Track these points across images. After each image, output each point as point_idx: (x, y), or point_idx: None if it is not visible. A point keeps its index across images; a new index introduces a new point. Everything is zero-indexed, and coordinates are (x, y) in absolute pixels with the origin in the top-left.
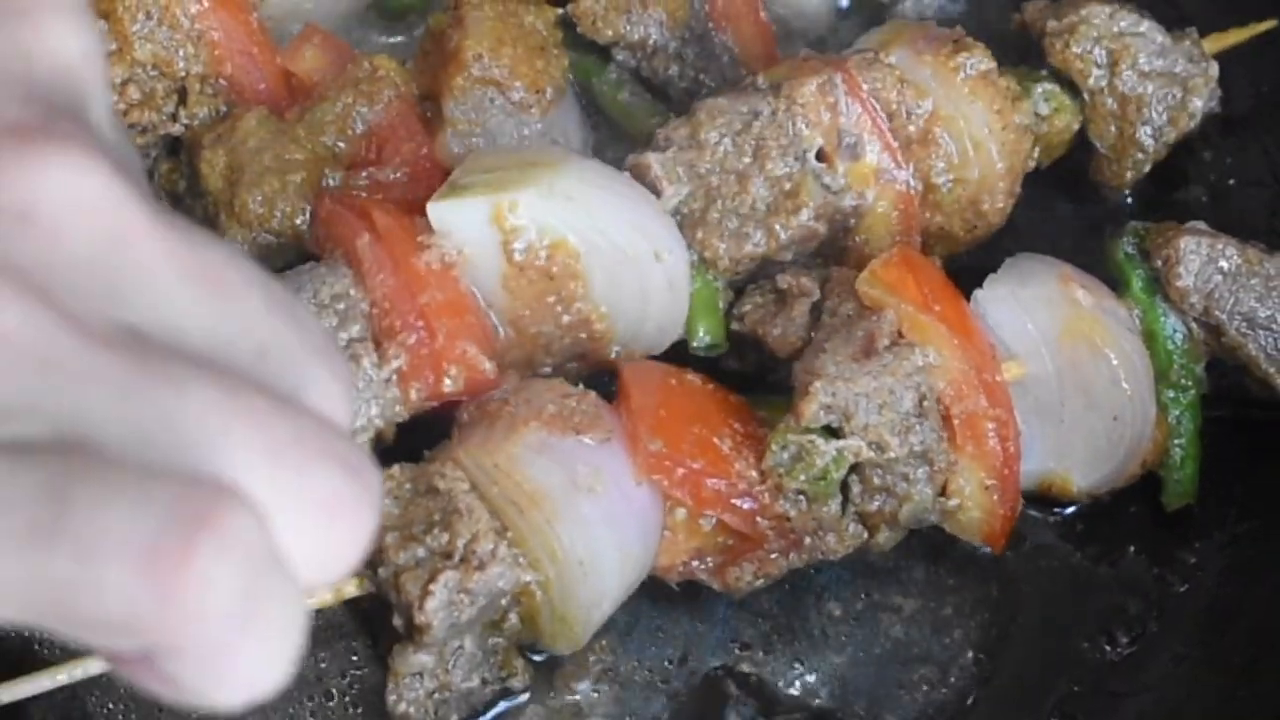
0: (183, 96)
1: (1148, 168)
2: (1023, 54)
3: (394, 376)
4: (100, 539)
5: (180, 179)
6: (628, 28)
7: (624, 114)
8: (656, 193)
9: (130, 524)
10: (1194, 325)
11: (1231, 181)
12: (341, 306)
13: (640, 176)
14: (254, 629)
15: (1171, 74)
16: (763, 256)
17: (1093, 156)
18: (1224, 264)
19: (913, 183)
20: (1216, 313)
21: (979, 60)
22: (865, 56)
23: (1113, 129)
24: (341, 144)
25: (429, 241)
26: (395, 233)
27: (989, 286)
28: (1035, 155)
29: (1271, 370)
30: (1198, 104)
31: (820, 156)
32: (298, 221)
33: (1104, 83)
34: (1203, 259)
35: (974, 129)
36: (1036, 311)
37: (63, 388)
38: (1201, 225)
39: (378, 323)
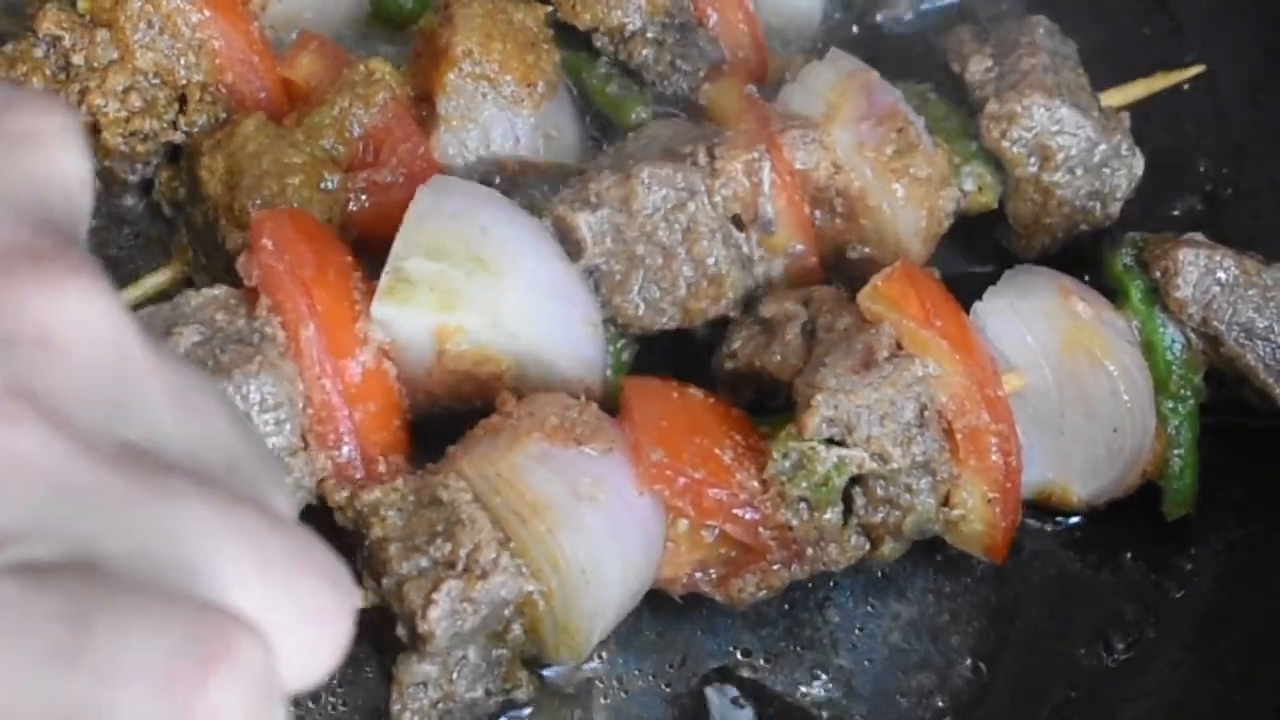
0: (184, 104)
1: (1055, 249)
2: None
3: (317, 477)
4: (119, 664)
5: (180, 185)
6: (606, 12)
7: (613, 106)
8: (578, 252)
9: (148, 651)
10: (1192, 336)
11: (1229, 192)
12: (281, 415)
13: (564, 232)
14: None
15: (1096, 171)
16: (672, 329)
17: (1003, 223)
18: (1222, 275)
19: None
20: (1215, 323)
21: (920, 168)
22: (805, 135)
23: (1030, 212)
24: (339, 147)
25: (365, 336)
26: (336, 325)
27: (988, 299)
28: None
29: (1269, 380)
30: (1115, 207)
31: (737, 223)
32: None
33: (1032, 173)
34: (1201, 270)
35: (899, 221)
36: (1036, 323)
37: (74, 509)
38: (1199, 236)
39: (311, 421)
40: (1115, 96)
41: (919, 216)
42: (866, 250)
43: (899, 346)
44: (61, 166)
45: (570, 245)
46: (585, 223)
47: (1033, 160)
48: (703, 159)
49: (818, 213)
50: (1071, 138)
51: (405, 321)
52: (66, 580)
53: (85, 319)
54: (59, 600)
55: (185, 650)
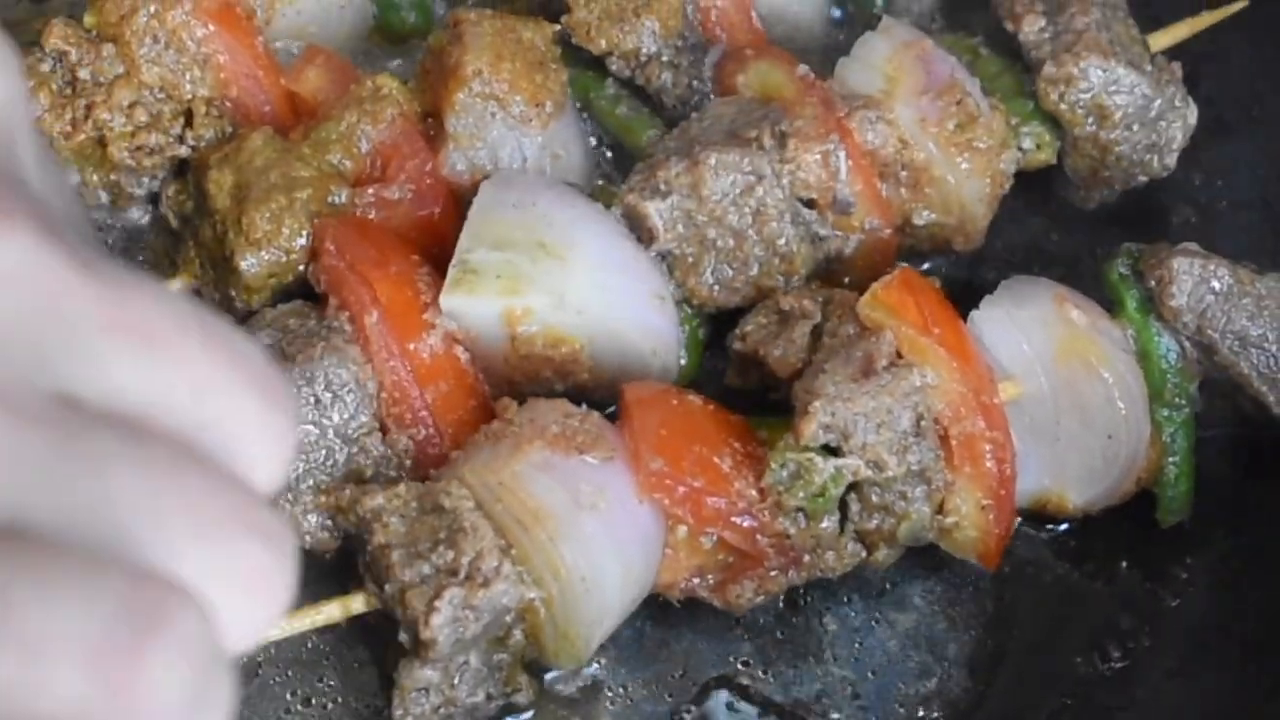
0: (189, 118)
1: (1113, 200)
2: (1007, 46)
3: (402, 459)
4: (48, 640)
5: (188, 199)
6: (621, 37)
7: (622, 128)
8: (651, 238)
9: (78, 624)
10: (1187, 344)
11: (1223, 202)
12: (351, 398)
13: (635, 219)
14: (181, 688)
15: (1152, 125)
16: (747, 306)
17: (1061, 176)
18: (1216, 284)
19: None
20: (1209, 332)
21: (981, 139)
22: (869, 115)
23: (1089, 167)
24: (347, 162)
25: (434, 321)
26: (401, 312)
27: (985, 308)
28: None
29: (1263, 388)
30: (1171, 158)
31: (811, 204)
32: (304, 237)
33: (1090, 131)
34: (1195, 279)
35: (963, 190)
36: (1032, 332)
37: None
38: (1194, 246)
39: (386, 407)
40: (1162, 39)
41: (982, 184)
42: (933, 216)
43: (899, 355)
44: None
45: (642, 232)
46: (656, 210)
47: (1090, 120)
48: (769, 142)
49: (886, 183)
50: (1128, 96)
51: (474, 309)
52: None
53: (2, 266)
54: None
55: (118, 622)
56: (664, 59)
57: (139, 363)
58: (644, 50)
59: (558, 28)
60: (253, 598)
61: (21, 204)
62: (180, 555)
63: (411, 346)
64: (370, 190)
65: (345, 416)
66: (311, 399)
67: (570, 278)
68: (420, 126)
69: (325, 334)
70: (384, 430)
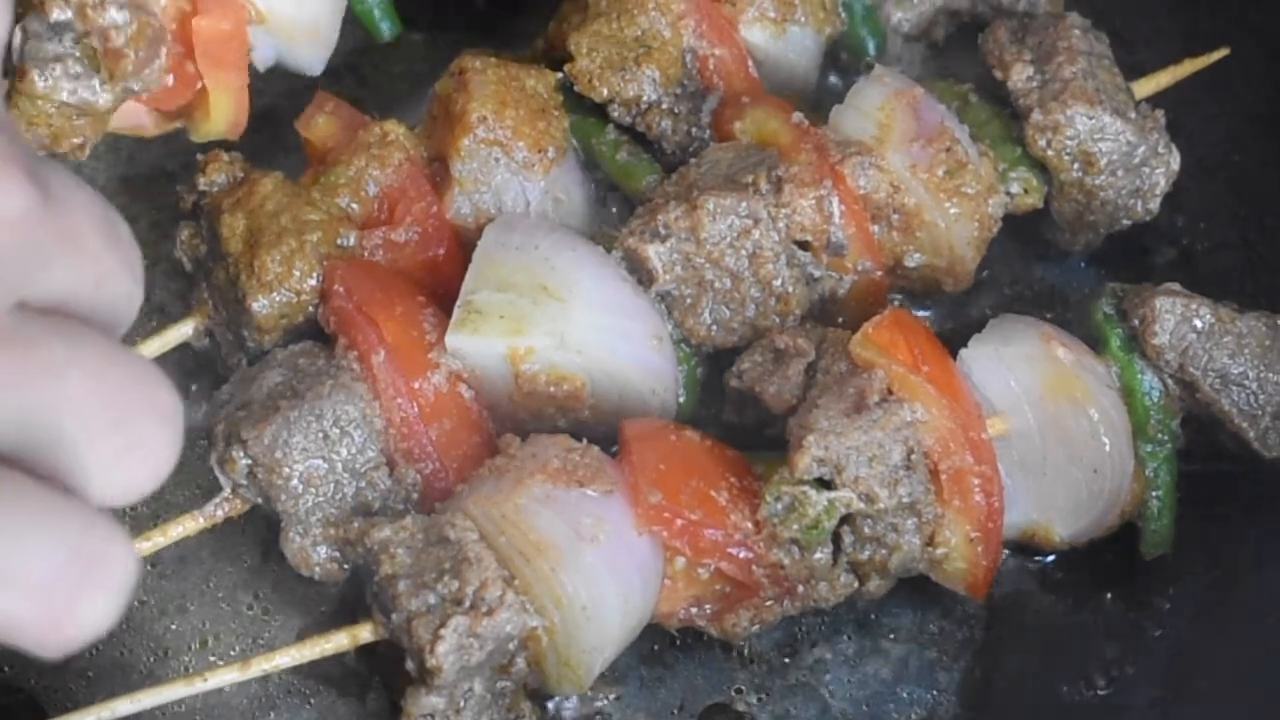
0: (202, 165)
1: (1098, 243)
2: (996, 93)
3: (409, 492)
4: (8, 569)
5: (201, 243)
6: (622, 85)
7: (621, 173)
8: (651, 279)
9: (33, 561)
10: (1170, 382)
11: (1204, 244)
12: (359, 434)
13: (635, 262)
14: (106, 621)
15: (1136, 171)
16: (744, 346)
17: (1048, 220)
18: (1198, 323)
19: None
20: (1191, 369)
21: (969, 185)
22: (861, 161)
23: (1074, 211)
24: (355, 205)
25: (438, 360)
26: (407, 351)
27: (974, 346)
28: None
29: (1244, 424)
30: (1154, 202)
31: (806, 247)
32: (315, 279)
33: (1076, 177)
34: (1177, 318)
35: (953, 233)
36: (1019, 369)
37: None
38: (1176, 286)
39: (394, 443)
40: (1146, 86)
41: (971, 227)
42: (923, 258)
43: (890, 392)
44: None
45: (642, 274)
46: (655, 253)
47: (1076, 166)
48: (765, 186)
49: (877, 226)
50: (1113, 143)
51: (479, 349)
52: None
53: (3, 210)
54: None
55: (69, 564)
56: (664, 106)
57: (68, 264)
58: (644, 98)
59: (560, 76)
60: (153, 466)
61: (13, 150)
62: (104, 440)
63: (417, 384)
64: (378, 233)
65: (353, 452)
66: (320, 435)
67: (571, 319)
68: (426, 171)
69: (334, 372)
70: (391, 465)
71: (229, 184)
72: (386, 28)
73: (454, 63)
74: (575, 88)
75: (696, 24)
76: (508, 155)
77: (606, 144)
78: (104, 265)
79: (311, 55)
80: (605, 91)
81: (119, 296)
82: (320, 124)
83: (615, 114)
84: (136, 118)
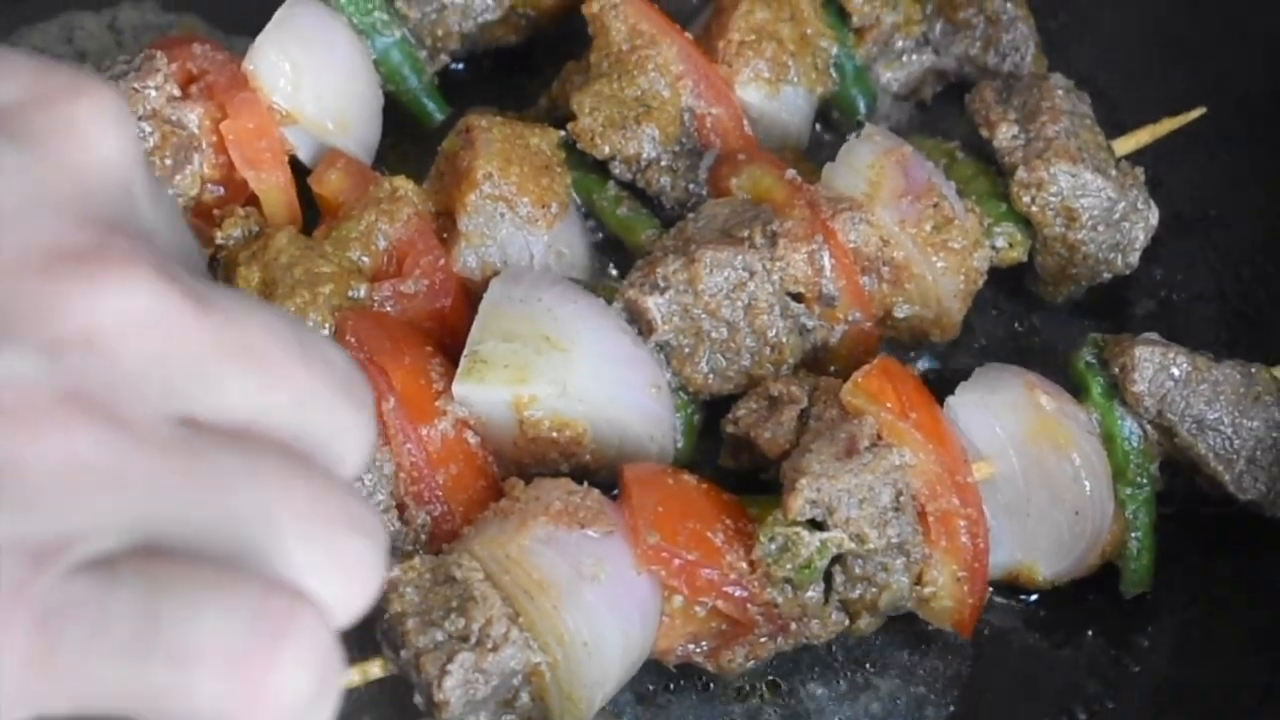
0: (218, 219)
1: (1079, 295)
2: (982, 151)
3: (419, 534)
4: (192, 647)
5: None
6: (623, 143)
7: (622, 227)
8: (650, 330)
9: (219, 633)
10: (1148, 427)
11: (1182, 295)
12: (369, 478)
13: (635, 313)
14: (319, 707)
15: (1117, 226)
16: (740, 394)
17: (1031, 272)
18: (1175, 371)
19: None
20: (1169, 416)
21: (955, 240)
22: (852, 217)
23: (1057, 264)
24: (365, 258)
25: (445, 408)
26: (415, 399)
27: (960, 393)
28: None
29: (1219, 468)
30: (1134, 256)
31: (799, 298)
32: (327, 330)
33: (1059, 232)
34: (1156, 367)
35: (940, 286)
36: (1004, 416)
37: (133, 499)
38: (1154, 336)
39: (404, 486)
40: (1126, 144)
41: (957, 280)
42: (912, 309)
43: (879, 438)
44: (100, 152)
45: (642, 324)
46: (654, 304)
47: (1059, 221)
48: (760, 241)
49: (867, 278)
50: (1094, 199)
51: (484, 397)
52: (133, 570)
53: (128, 309)
54: (128, 594)
55: (255, 630)
56: (663, 163)
57: (248, 381)
58: (644, 155)
59: (563, 134)
60: (356, 585)
61: (143, 251)
62: (293, 555)
63: (425, 431)
64: (387, 285)
65: (364, 495)
66: None
67: (573, 368)
68: (434, 225)
69: None
70: (401, 508)
71: (244, 238)
72: (434, 109)
73: (460, 121)
74: (578, 145)
75: (694, 84)
76: (512, 210)
77: (608, 199)
78: (302, 390)
79: (356, 147)
80: (606, 149)
81: (332, 424)
82: (332, 180)
83: (616, 170)
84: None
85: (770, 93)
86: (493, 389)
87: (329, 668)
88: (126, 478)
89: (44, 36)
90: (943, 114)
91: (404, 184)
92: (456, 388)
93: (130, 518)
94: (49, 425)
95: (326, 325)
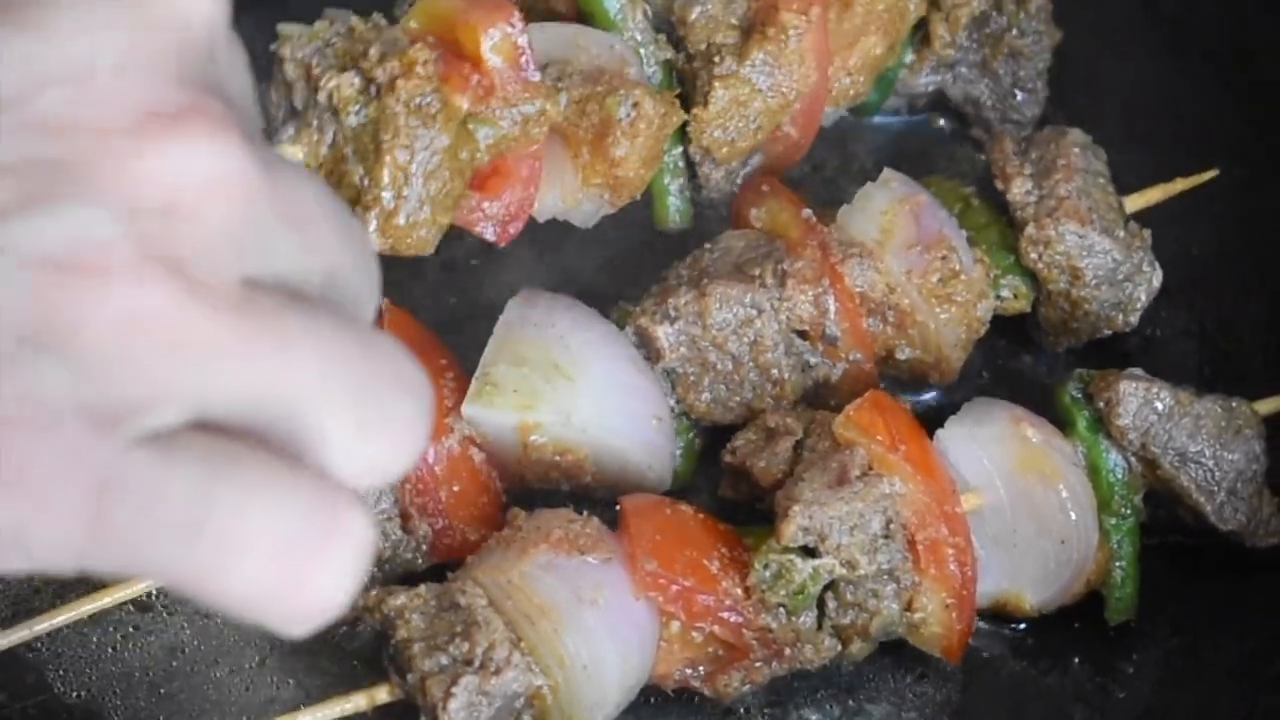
0: None
1: (1079, 346)
2: (997, 198)
3: (420, 544)
4: (241, 538)
5: None
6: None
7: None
8: (658, 357)
9: (267, 527)
10: (1132, 460)
11: (1165, 332)
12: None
13: (645, 340)
14: (346, 588)
15: (1120, 286)
16: (740, 423)
17: (1033, 320)
18: (1159, 405)
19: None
20: (1152, 448)
21: (961, 293)
22: (860, 263)
23: (1059, 318)
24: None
25: (454, 425)
26: None
27: (950, 426)
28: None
29: (1201, 499)
30: (1134, 315)
31: (803, 335)
32: None
33: (1063, 288)
34: (1140, 401)
35: (942, 334)
36: (992, 448)
37: (195, 367)
38: (1138, 371)
39: (410, 497)
40: (1137, 201)
41: (959, 330)
42: (913, 353)
43: (870, 468)
44: (196, 10)
45: (650, 350)
46: (664, 334)
47: (1064, 278)
48: (770, 280)
49: (872, 320)
50: (1100, 259)
51: (492, 419)
52: (191, 451)
53: (213, 173)
54: (184, 474)
55: (303, 528)
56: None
57: (298, 247)
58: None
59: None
60: (399, 441)
61: (231, 116)
62: (346, 413)
63: (433, 447)
64: (475, 198)
65: (370, 503)
66: None
67: (578, 398)
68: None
69: None
70: (405, 518)
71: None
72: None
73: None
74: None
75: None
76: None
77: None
78: (334, 258)
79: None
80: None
81: (353, 292)
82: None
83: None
84: None
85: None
86: (500, 413)
87: (363, 567)
88: (193, 342)
89: None
90: (964, 148)
91: (554, 111)
92: (466, 409)
93: (191, 386)
94: (123, 285)
95: None
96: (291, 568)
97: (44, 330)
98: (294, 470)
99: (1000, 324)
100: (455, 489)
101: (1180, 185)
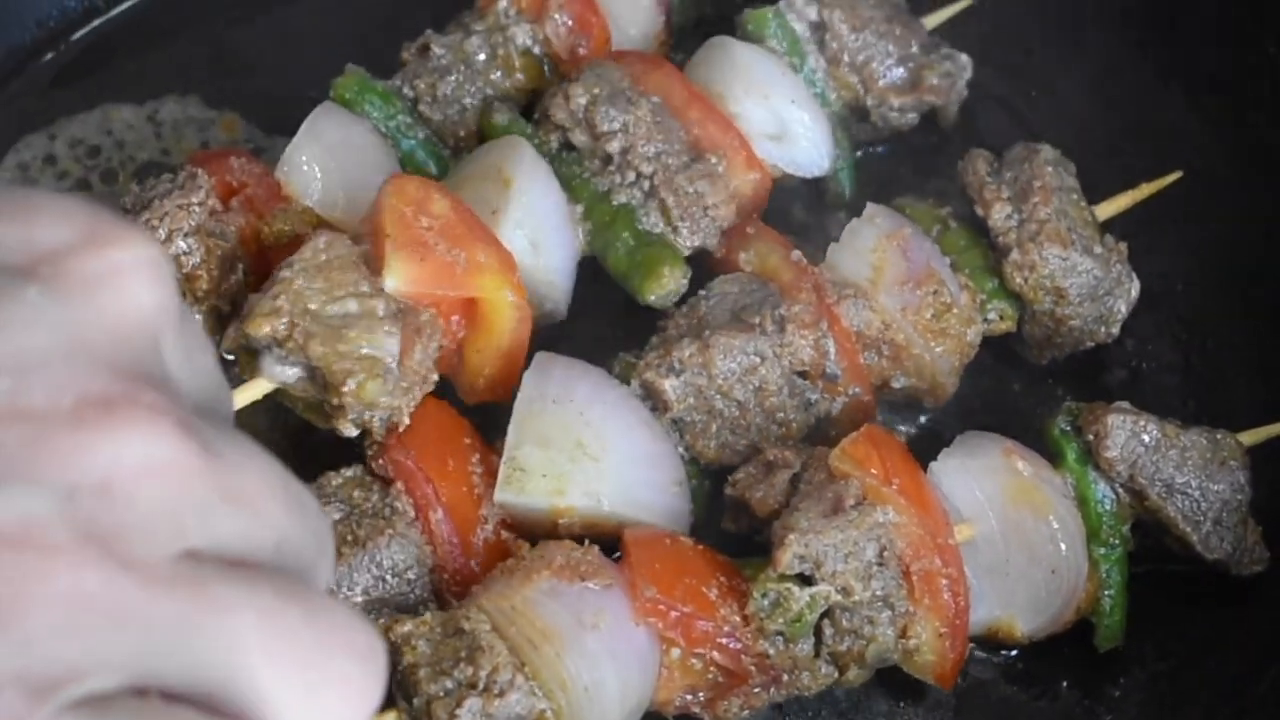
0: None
1: (1062, 358)
2: (974, 218)
3: None
4: None
5: None
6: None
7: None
8: (665, 408)
9: None
10: (1120, 491)
11: (1151, 365)
12: (411, 575)
13: (651, 393)
14: None
15: (1101, 301)
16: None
17: (1017, 336)
18: (1146, 438)
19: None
20: (1140, 480)
21: (953, 326)
22: (855, 304)
23: (1044, 334)
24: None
25: (488, 515)
26: (461, 510)
27: (943, 459)
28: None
29: (1187, 529)
30: (1116, 327)
31: (804, 375)
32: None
33: (1048, 308)
34: (1127, 433)
35: (936, 363)
36: (984, 480)
37: (132, 639)
38: (1126, 405)
39: (445, 583)
40: (1107, 209)
41: (953, 359)
42: (909, 381)
43: (865, 498)
44: (137, 304)
45: (658, 402)
46: (670, 386)
47: (1049, 299)
48: (770, 326)
49: (868, 353)
50: (1083, 278)
51: (524, 503)
52: (125, 715)
53: (147, 458)
54: None
55: None
56: None
57: (242, 522)
58: None
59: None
60: (346, 705)
61: (166, 402)
62: (280, 685)
63: (469, 539)
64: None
65: (405, 590)
66: (379, 579)
67: (605, 477)
68: None
69: (389, 515)
70: (442, 604)
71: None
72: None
73: None
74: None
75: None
76: None
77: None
78: (282, 530)
79: None
80: None
81: (303, 559)
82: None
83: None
84: None
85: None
86: (532, 498)
87: None
88: (129, 617)
89: (83, 127)
90: (934, 173)
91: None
92: (499, 496)
93: (127, 656)
94: (60, 563)
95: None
96: None
97: None
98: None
99: (988, 351)
100: (489, 567)
101: (1146, 190)
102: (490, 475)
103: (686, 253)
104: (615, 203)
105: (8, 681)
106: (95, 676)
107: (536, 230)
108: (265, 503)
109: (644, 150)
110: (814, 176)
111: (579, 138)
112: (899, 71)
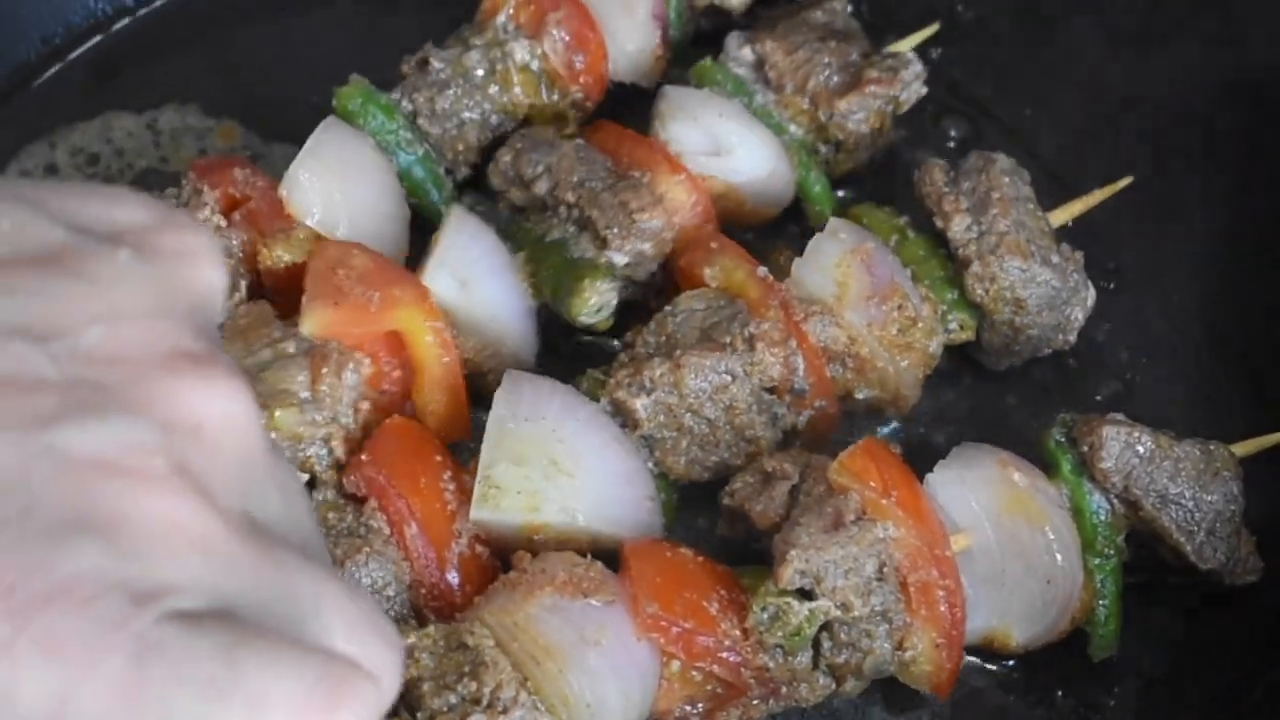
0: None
1: (1020, 365)
2: (932, 227)
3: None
4: (266, 695)
5: None
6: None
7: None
8: (636, 425)
9: (289, 686)
10: (1115, 501)
11: (1145, 378)
12: (390, 593)
13: (622, 411)
14: None
15: (1059, 309)
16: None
17: (975, 344)
18: (1140, 449)
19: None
20: (1134, 490)
21: (918, 340)
22: (822, 320)
23: (1003, 343)
24: None
25: (462, 530)
26: (435, 525)
27: (939, 470)
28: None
29: (1181, 539)
30: (1073, 334)
31: (773, 391)
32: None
33: (1007, 318)
34: (1122, 445)
35: (900, 377)
36: (980, 491)
37: (215, 568)
38: (1120, 416)
39: (424, 600)
40: (1060, 215)
41: (916, 371)
42: (872, 392)
43: (864, 512)
44: (209, 278)
45: (628, 420)
46: (641, 405)
47: (1008, 309)
48: (740, 345)
49: (833, 365)
50: (1041, 288)
51: (499, 520)
52: (214, 626)
53: (230, 415)
54: (211, 642)
55: (321, 686)
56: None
57: (285, 505)
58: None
59: None
60: (384, 682)
61: (239, 372)
62: (335, 641)
63: (445, 553)
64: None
65: (384, 607)
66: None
67: (579, 494)
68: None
69: (365, 534)
70: (420, 619)
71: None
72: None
73: None
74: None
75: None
76: None
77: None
78: (306, 531)
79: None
80: None
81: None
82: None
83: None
84: None
85: None
86: (507, 515)
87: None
88: (215, 550)
89: (83, 135)
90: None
91: None
92: (475, 514)
93: (212, 583)
94: (160, 488)
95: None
96: (314, 713)
97: (89, 517)
98: (306, 644)
99: (982, 368)
100: (468, 589)
101: (1099, 195)
102: (463, 492)
103: (622, 264)
104: (549, 239)
105: (112, 587)
106: (188, 594)
107: (464, 269)
108: (298, 503)
109: (568, 181)
110: (766, 185)
111: (516, 195)
112: (840, 78)
